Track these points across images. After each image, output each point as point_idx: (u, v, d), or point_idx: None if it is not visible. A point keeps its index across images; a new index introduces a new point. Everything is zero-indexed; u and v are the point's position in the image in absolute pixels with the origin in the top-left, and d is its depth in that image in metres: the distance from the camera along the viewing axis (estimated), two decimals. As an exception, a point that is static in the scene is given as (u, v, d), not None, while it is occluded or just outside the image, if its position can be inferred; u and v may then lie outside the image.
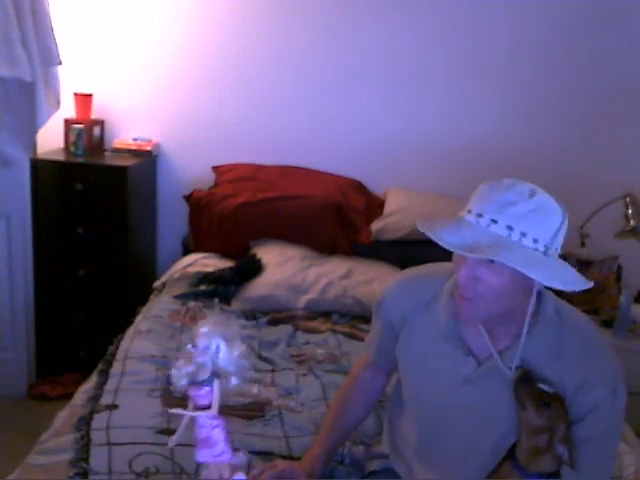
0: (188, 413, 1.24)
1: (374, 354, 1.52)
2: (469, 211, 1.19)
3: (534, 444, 1.21)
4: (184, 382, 1.22)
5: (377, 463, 1.57)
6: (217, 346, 1.22)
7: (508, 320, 1.25)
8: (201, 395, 1.23)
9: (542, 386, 1.21)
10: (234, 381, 1.24)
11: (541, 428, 1.20)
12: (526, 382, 1.22)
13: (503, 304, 1.21)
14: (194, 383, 1.23)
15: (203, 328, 1.24)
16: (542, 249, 1.15)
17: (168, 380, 1.87)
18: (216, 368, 1.23)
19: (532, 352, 1.24)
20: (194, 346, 1.23)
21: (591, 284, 1.19)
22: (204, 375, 1.22)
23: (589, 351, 1.26)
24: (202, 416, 1.23)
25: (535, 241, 1.14)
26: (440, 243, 1.16)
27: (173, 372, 1.24)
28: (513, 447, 1.26)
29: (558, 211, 1.17)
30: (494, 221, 1.14)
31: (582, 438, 1.21)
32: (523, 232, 1.14)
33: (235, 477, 1.24)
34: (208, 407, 1.23)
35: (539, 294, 1.24)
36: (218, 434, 1.25)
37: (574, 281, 1.18)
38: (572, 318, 1.28)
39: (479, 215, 1.16)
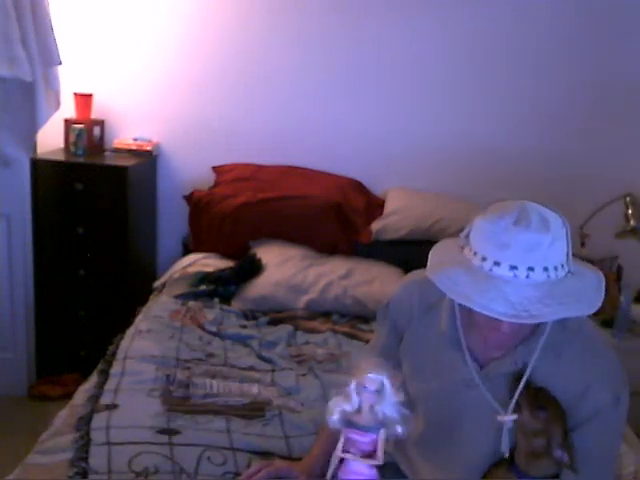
0: (357, 460, 1.14)
1: (377, 357, 1.51)
2: (496, 263, 1.11)
3: (531, 448, 1.20)
4: (335, 417, 1.13)
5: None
6: (386, 390, 1.13)
7: None
8: (366, 442, 1.14)
9: (538, 388, 1.21)
10: (399, 430, 1.13)
11: (537, 431, 1.19)
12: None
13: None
14: (354, 425, 1.14)
15: (371, 374, 1.14)
16: (567, 269, 1.14)
17: (169, 380, 1.90)
18: (383, 415, 1.14)
19: (535, 356, 1.23)
20: (362, 388, 1.13)
21: (602, 280, 1.17)
22: (371, 421, 1.13)
23: (593, 356, 1.25)
24: (360, 463, 1.14)
25: (562, 267, 1.13)
26: (491, 315, 1.09)
27: (330, 404, 1.15)
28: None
29: (562, 224, 1.14)
30: (531, 269, 1.10)
31: (582, 444, 1.20)
32: (555, 266, 1.11)
33: None
34: (370, 455, 1.14)
35: None
36: None
37: (596, 289, 1.16)
38: (575, 323, 1.26)
39: (513, 267, 1.10)
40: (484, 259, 1.13)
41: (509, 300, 1.08)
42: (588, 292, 1.14)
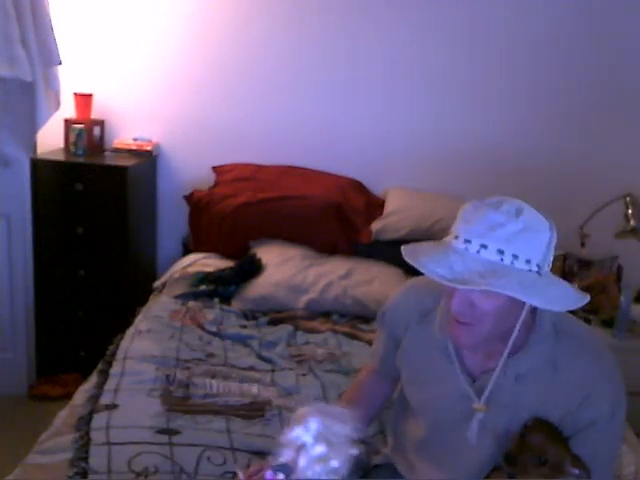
0: None
1: (378, 363, 1.53)
2: (456, 237, 1.15)
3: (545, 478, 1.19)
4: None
5: (380, 457, 1.58)
6: (313, 437, 1.10)
7: (507, 338, 1.22)
8: None
9: (524, 434, 1.19)
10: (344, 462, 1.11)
11: (549, 473, 1.17)
12: (512, 456, 1.20)
13: (500, 325, 1.19)
14: (273, 466, 1.13)
15: (304, 409, 1.13)
16: (535, 269, 1.13)
17: (168, 380, 1.90)
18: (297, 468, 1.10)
19: (527, 367, 1.23)
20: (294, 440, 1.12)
21: (587, 298, 1.16)
22: (282, 460, 1.12)
23: (590, 362, 1.23)
24: None
25: (528, 262, 1.12)
26: (428, 274, 1.12)
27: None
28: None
29: (546, 226, 1.14)
30: (484, 246, 1.11)
31: (578, 451, 1.19)
32: (515, 254, 1.11)
33: None
34: None
35: (535, 308, 1.21)
36: None
37: (571, 300, 1.16)
38: (570, 332, 1.25)
39: (467, 241, 1.12)
40: (450, 233, 1.18)
41: (452, 268, 1.11)
42: (547, 291, 1.12)
